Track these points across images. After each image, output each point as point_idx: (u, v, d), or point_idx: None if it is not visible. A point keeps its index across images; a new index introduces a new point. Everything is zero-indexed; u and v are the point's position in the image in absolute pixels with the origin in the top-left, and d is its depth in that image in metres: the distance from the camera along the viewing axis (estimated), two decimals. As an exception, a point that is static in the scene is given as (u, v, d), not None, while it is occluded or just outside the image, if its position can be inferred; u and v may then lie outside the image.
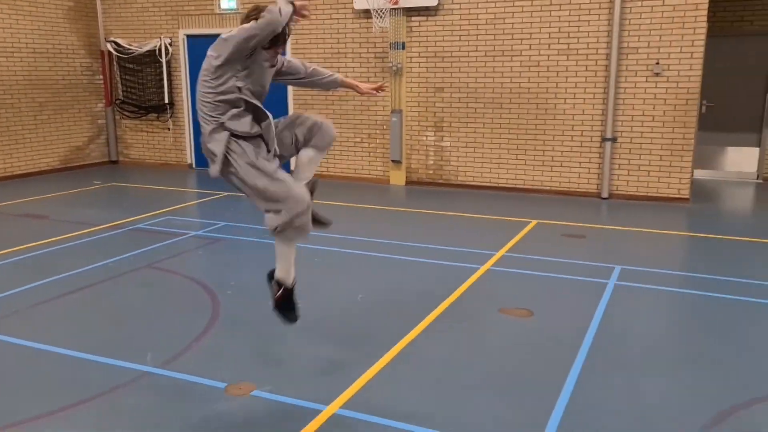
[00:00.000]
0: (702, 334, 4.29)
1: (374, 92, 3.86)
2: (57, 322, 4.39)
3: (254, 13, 3.27)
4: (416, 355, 3.84)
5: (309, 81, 3.79)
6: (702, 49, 7.83)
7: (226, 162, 3.35)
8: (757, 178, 9.85)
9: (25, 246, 6.14)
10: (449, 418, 3.14)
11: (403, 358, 3.79)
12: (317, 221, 3.54)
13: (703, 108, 9.99)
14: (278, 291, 3.56)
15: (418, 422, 3.08)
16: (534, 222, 7.19)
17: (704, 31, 7.79)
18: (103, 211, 7.70)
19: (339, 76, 3.85)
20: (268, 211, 3.37)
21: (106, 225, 6.98)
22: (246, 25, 3.20)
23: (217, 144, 3.33)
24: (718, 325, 4.36)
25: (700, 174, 10.26)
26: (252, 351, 3.94)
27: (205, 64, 3.37)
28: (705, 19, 7.77)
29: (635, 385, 3.48)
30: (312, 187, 3.53)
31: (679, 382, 3.55)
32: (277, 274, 3.55)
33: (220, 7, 10.29)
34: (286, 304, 3.58)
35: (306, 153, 3.57)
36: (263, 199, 3.36)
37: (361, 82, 3.98)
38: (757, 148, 9.82)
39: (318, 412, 3.17)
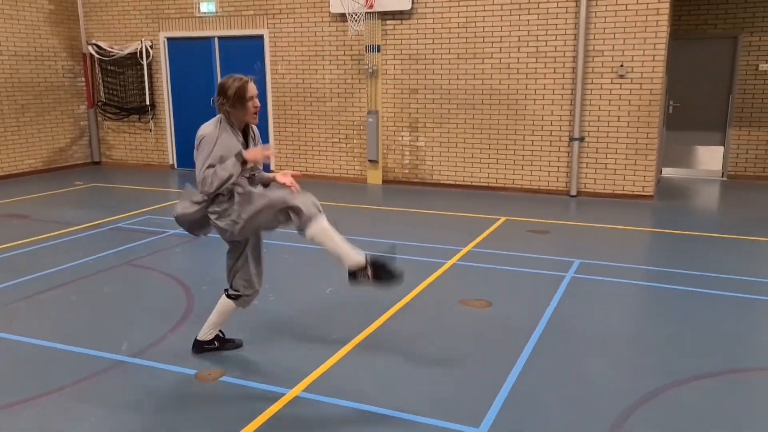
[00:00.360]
0: (648, 321, 4.58)
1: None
2: (35, 317, 4.59)
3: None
4: (377, 344, 4.09)
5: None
6: (664, 51, 8.14)
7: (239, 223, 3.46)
8: (723, 176, 10.21)
9: (5, 245, 6.32)
10: (399, 398, 3.39)
11: (365, 346, 4.04)
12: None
13: (670, 108, 10.35)
14: (368, 273, 3.44)
15: (369, 402, 3.33)
16: (502, 219, 7.47)
17: (665, 34, 8.11)
18: (84, 211, 7.88)
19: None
20: (289, 219, 3.44)
21: (87, 224, 7.17)
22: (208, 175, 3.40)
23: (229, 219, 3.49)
24: (666, 313, 4.65)
25: (668, 172, 10.62)
26: (222, 341, 4.17)
27: None
28: (666, 23, 8.08)
29: (577, 367, 3.75)
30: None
31: (618, 363, 3.83)
32: (350, 266, 3.46)
33: (199, 11, 10.48)
34: (383, 275, 3.44)
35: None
36: (275, 211, 3.44)
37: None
38: (722, 147, 10.18)
39: (282, 394, 3.41)
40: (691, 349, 4.05)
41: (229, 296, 3.81)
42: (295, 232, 3.53)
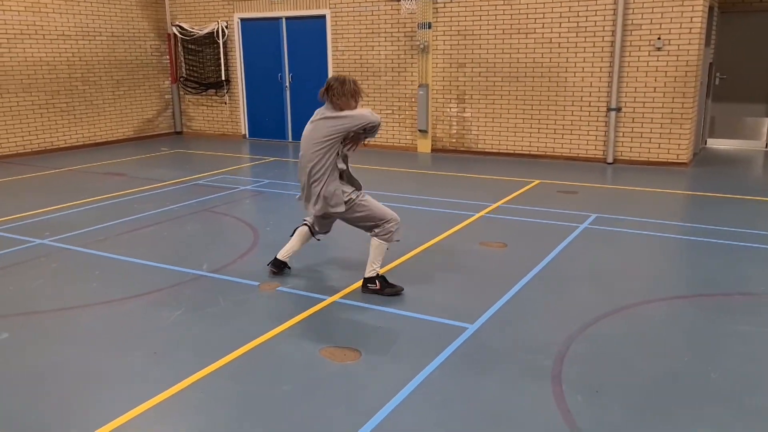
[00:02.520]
0: (642, 260, 5.26)
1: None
2: (136, 245, 5.76)
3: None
4: (402, 273, 5.00)
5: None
6: (700, 25, 8.53)
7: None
8: (766, 147, 10.43)
9: (108, 195, 7.60)
10: (416, 301, 4.29)
11: (390, 274, 4.96)
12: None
13: (717, 80, 10.62)
14: (378, 285, 4.43)
15: (396, 307, 4.25)
16: (536, 182, 8.17)
17: (701, 8, 8.48)
18: (169, 171, 9.14)
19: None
20: (377, 226, 4.40)
21: (172, 181, 8.40)
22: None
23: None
24: (661, 255, 5.33)
25: (713, 143, 10.91)
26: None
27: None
28: (702, -3, 8.46)
29: (565, 290, 4.54)
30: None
31: (601, 288, 4.58)
32: (371, 273, 4.43)
33: (269, -7, 11.53)
34: (388, 287, 4.45)
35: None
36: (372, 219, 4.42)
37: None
38: (766, 119, 10.38)
39: (322, 300, 4.39)
40: (673, 280, 4.75)
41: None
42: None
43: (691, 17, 8.53)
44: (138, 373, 3.45)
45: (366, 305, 4.30)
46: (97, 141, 11.67)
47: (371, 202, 4.46)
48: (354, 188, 4.46)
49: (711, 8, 9.43)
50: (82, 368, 3.51)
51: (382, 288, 4.45)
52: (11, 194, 7.79)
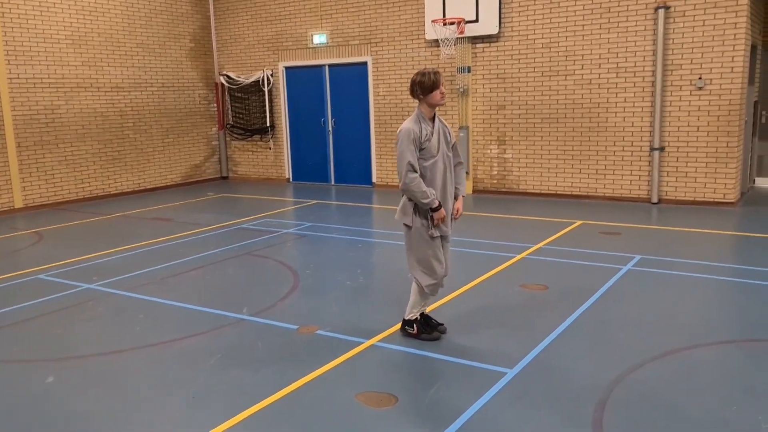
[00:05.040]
0: (686, 304, 5.10)
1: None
2: (179, 289, 5.90)
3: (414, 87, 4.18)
4: (441, 316, 4.97)
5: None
6: (742, 64, 8.40)
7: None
8: (820, 185, 10.06)
9: (155, 240, 7.84)
10: (455, 344, 4.24)
11: (434, 313, 4.93)
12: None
13: (763, 118, 10.37)
14: (416, 329, 4.40)
15: (435, 351, 4.22)
16: (579, 222, 8.07)
17: (743, 47, 8.37)
18: (214, 215, 9.38)
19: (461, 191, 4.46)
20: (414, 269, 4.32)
21: (217, 225, 8.62)
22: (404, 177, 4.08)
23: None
24: (706, 298, 5.15)
25: (762, 182, 10.58)
26: (319, 307, 5.23)
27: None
28: (744, 36, 8.35)
29: (598, 339, 4.43)
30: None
31: (643, 332, 4.45)
32: (409, 316, 4.42)
33: (312, 42, 11.92)
34: (425, 333, 4.41)
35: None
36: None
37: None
38: (819, 156, 10.05)
39: (360, 343, 4.39)
40: (721, 324, 4.58)
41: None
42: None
43: (733, 56, 8.42)
44: (174, 419, 3.50)
45: (405, 349, 4.28)
46: (146, 187, 12.11)
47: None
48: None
49: (754, 47, 9.29)
50: (122, 413, 3.58)
51: (418, 333, 4.42)
52: (63, 240, 8.12)
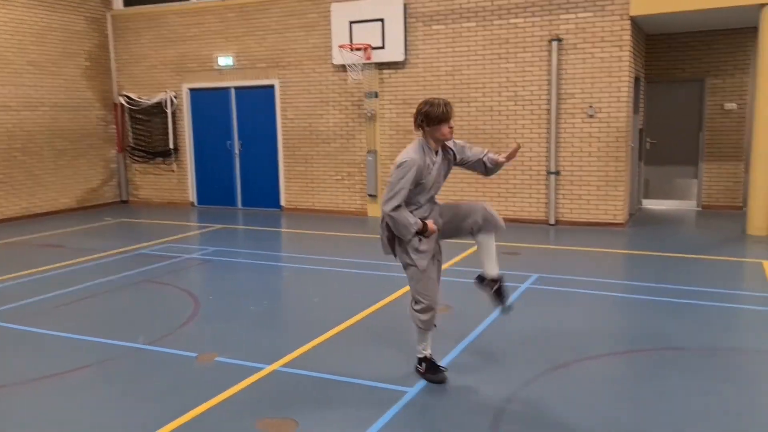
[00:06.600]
0: (571, 321, 5.35)
1: (514, 153, 4.05)
2: (68, 319, 5.54)
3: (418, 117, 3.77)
4: (345, 338, 4.94)
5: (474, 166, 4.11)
6: (627, 94, 9.05)
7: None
8: (698, 206, 10.94)
9: (45, 267, 7.35)
10: (357, 366, 4.22)
11: (331, 341, 4.89)
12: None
13: (648, 144, 11.18)
14: (424, 368, 4.05)
15: (337, 373, 4.18)
16: (481, 244, 8.30)
17: (628, 79, 9.03)
18: (111, 241, 8.93)
19: (491, 156, 4.06)
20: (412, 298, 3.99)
21: (113, 251, 8.20)
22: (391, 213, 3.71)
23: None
24: (593, 312, 5.43)
25: (649, 203, 11.37)
26: (220, 334, 5.06)
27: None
28: (628, 69, 9.01)
29: (497, 356, 4.56)
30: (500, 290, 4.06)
31: (537, 345, 4.61)
32: (418, 354, 4.07)
33: (218, 64, 11.72)
34: (431, 373, 4.03)
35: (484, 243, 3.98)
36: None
37: (497, 151, 4.20)
38: (696, 180, 10.94)
39: (261, 369, 4.28)
40: (609, 337, 4.83)
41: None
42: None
43: (619, 87, 9.05)
44: (59, 455, 3.26)
45: (307, 373, 4.21)
46: (36, 212, 11.36)
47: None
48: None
49: (637, 79, 10.03)
50: (-2, 452, 3.30)
51: (425, 372, 4.06)
52: (-60, 268, 7.46)
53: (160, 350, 4.69)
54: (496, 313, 5.36)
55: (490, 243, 4.00)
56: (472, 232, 3.98)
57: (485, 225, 3.92)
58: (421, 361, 4.11)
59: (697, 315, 5.35)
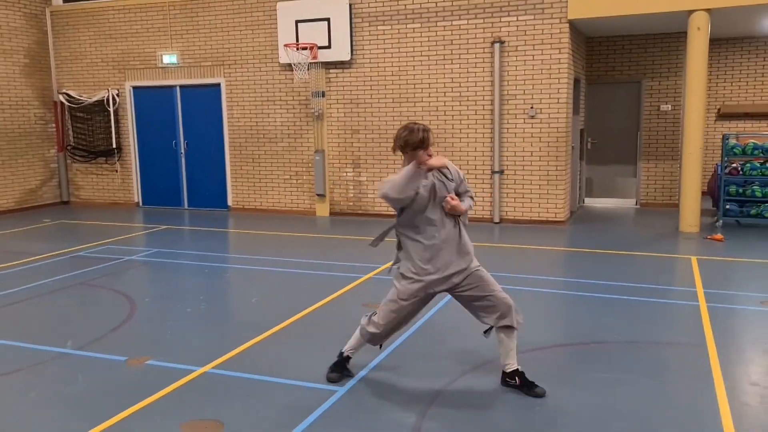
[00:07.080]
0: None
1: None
2: (0, 323, 5.38)
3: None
4: (279, 338, 4.93)
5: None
6: (566, 95, 9.27)
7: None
8: (636, 204, 11.29)
9: (-25, 270, 7.10)
10: (289, 366, 4.22)
11: (268, 340, 4.88)
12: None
13: (588, 144, 11.48)
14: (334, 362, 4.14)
15: (267, 374, 4.17)
16: (426, 243, 8.38)
17: (567, 80, 9.25)
18: (49, 244, 8.67)
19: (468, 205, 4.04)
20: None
21: (49, 254, 7.97)
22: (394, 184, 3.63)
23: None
24: (527, 312, 5.56)
25: (591, 202, 11.68)
26: (154, 337, 4.99)
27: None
28: (567, 71, 9.22)
29: (430, 352, 4.63)
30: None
31: (457, 350, 4.71)
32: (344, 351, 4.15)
33: (162, 62, 11.51)
34: (338, 365, 4.13)
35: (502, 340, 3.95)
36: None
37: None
38: (635, 178, 11.29)
39: (192, 371, 4.23)
40: (539, 332, 4.96)
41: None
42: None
43: (558, 88, 9.26)
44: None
45: (238, 374, 4.19)
46: (-29, 213, 10.96)
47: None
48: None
49: (577, 80, 10.29)
50: None
51: (334, 365, 4.13)
52: None
53: (90, 355, 4.59)
54: (432, 311, 5.44)
55: (506, 341, 3.95)
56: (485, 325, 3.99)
57: (498, 327, 3.93)
58: (339, 356, 4.17)
59: (625, 310, 5.53)
